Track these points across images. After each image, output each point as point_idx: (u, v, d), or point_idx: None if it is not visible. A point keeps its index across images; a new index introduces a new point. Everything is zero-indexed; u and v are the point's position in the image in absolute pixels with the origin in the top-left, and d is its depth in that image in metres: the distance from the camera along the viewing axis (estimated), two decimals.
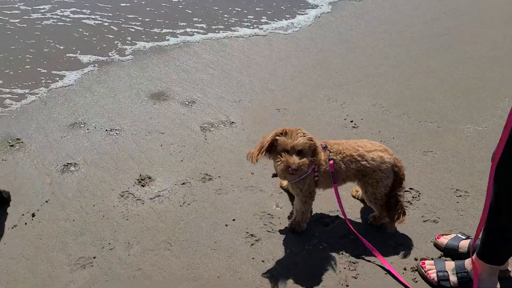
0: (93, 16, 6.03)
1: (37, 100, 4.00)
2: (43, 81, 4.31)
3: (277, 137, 2.33)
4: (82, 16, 6.08)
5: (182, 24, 5.92)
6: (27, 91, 4.11)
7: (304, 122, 4.13)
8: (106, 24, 5.82)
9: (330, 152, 2.58)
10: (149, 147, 3.56)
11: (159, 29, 5.71)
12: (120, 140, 3.60)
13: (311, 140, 2.37)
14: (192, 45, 5.42)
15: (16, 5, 6.23)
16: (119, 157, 3.40)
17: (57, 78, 4.39)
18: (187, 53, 5.20)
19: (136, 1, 6.76)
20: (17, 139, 3.49)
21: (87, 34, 5.37)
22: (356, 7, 7.31)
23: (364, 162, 2.54)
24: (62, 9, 6.18)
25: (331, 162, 2.55)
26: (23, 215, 2.82)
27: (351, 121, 4.23)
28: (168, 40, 5.45)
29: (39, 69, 4.49)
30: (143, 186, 3.18)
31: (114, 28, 5.69)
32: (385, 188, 2.61)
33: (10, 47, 4.89)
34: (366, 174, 2.58)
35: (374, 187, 2.60)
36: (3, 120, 3.67)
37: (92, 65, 4.70)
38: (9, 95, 4.01)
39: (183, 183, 3.25)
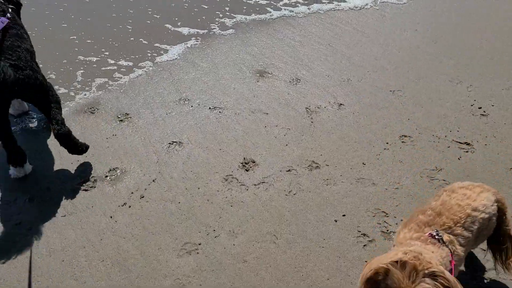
0: None
1: (144, 74, 4.06)
2: (148, 54, 4.36)
3: (390, 268, 1.55)
4: None
5: None
6: (132, 64, 4.18)
7: (423, 108, 3.64)
8: None
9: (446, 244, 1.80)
10: (253, 129, 3.41)
11: (262, 0, 5.45)
12: (223, 119, 3.49)
13: None
14: (296, 18, 5.10)
15: None
16: (223, 138, 3.30)
17: (162, 52, 4.41)
18: (291, 26, 4.90)
19: None
20: (126, 113, 3.56)
21: (186, 4, 5.31)
22: None
23: (476, 226, 1.92)
24: None
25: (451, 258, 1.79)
26: (132, 193, 2.85)
27: (479, 108, 3.65)
28: (270, 12, 5.18)
29: (142, 40, 4.55)
30: (247, 170, 3.05)
31: None
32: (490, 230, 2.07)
33: (111, 15, 5.01)
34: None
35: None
36: (113, 94, 3.78)
37: (194, 38, 4.64)
38: (117, 68, 4.11)
39: (289, 170, 3.05)
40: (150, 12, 5.13)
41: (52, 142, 3.19)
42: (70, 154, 3.01)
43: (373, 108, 3.63)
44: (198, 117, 3.52)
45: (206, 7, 5.31)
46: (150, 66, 4.18)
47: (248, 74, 4.06)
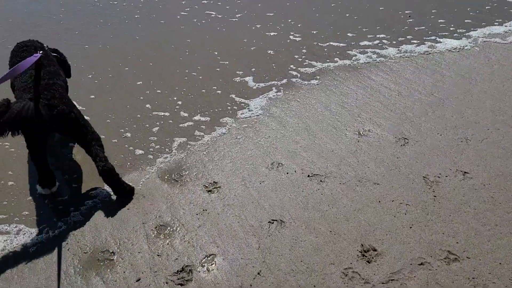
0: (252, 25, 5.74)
1: (226, 132, 3.76)
2: (228, 107, 4.08)
3: None
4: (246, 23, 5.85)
5: (367, 35, 5.24)
6: (210, 119, 3.91)
7: None
8: (276, 41, 5.44)
9: None
10: (365, 203, 2.97)
11: (339, 43, 5.11)
12: (327, 191, 3.07)
13: None
14: (386, 62, 4.69)
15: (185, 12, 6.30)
16: (331, 216, 2.88)
17: (242, 105, 4.12)
18: (383, 71, 4.50)
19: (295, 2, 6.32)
20: (214, 182, 3.23)
21: (253, 47, 5.05)
22: None
23: None
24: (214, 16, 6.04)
25: None
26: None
27: None
28: (355, 56, 4.81)
29: (216, 90, 4.30)
30: (368, 262, 2.59)
31: (288, 44, 5.28)
32: None
33: (178, 59, 4.81)
34: None
35: None
36: (196, 156, 3.49)
37: (275, 88, 4.33)
38: (195, 124, 3.84)
39: (421, 264, 2.57)
40: (219, 58, 4.90)
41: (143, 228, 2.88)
42: (158, 238, 2.69)
43: (507, 179, 3.10)
44: (297, 187, 3.13)
45: (281, 52, 5.03)
46: (231, 123, 3.88)
47: (346, 132, 3.66)
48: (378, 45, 5.06)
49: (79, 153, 3.50)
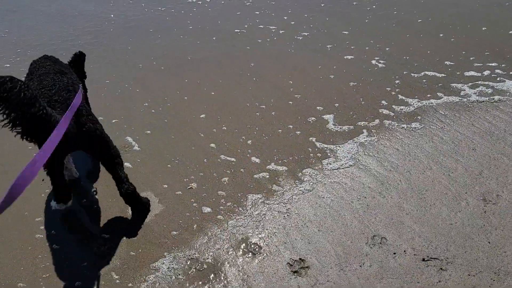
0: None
1: (311, 189, 3.17)
2: (311, 154, 3.51)
3: None
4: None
5: (474, 63, 4.47)
6: (288, 169, 3.37)
7: None
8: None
9: None
10: None
11: (438, 73, 4.38)
12: (452, 285, 2.38)
13: None
14: (506, 99, 3.91)
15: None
16: None
17: (327, 151, 3.53)
18: (504, 113, 3.77)
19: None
20: (300, 259, 2.64)
21: (322, 79, 4.43)
22: None
23: None
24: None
25: None
26: None
27: None
28: (463, 90, 4.07)
29: (296, 131, 3.75)
30: None
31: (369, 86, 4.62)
32: None
33: (248, 91, 4.32)
34: None
35: None
36: (275, 219, 2.94)
37: (365, 131, 3.70)
38: (271, 176, 3.30)
39: None
40: (292, 89, 4.35)
41: None
42: None
43: None
44: (410, 276, 2.48)
45: (367, 82, 4.39)
46: (316, 176, 3.30)
47: (466, 198, 2.95)
48: (492, 76, 4.28)
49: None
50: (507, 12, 5.67)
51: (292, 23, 6.12)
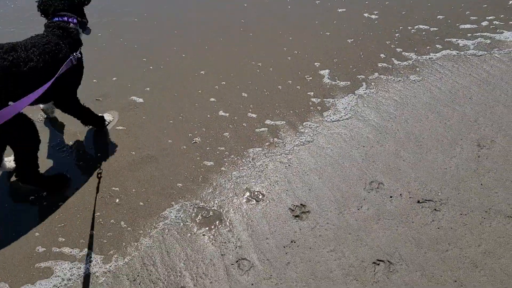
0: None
1: (311, 140, 3.28)
2: (311, 108, 3.60)
3: None
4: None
5: (471, 17, 4.46)
6: (289, 122, 3.46)
7: None
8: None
9: None
10: (497, 244, 2.42)
11: (436, 27, 4.38)
12: (445, 224, 2.56)
13: None
14: (504, 49, 3.95)
15: None
16: (453, 259, 2.39)
17: (327, 104, 3.63)
18: (502, 62, 3.83)
19: None
20: (301, 205, 2.79)
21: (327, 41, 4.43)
22: None
23: None
24: None
25: None
26: None
27: None
28: (462, 41, 4.10)
29: (295, 86, 3.81)
30: None
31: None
32: None
33: (249, 49, 4.35)
34: None
35: None
36: (278, 169, 3.07)
37: (365, 84, 3.76)
38: (272, 129, 3.42)
39: None
40: (291, 46, 4.38)
41: None
42: (240, 276, 2.32)
43: None
44: (405, 217, 2.64)
45: (366, 36, 4.41)
46: (316, 128, 3.41)
47: (461, 144, 3.07)
48: (490, 27, 4.29)
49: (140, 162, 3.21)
50: None
51: None
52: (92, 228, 2.75)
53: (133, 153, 3.33)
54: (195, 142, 3.42)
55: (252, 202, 2.86)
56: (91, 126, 3.45)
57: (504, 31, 4.23)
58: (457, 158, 2.96)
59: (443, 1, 4.89)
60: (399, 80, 3.78)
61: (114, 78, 4.22)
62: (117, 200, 2.94)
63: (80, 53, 3.05)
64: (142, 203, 2.91)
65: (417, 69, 3.87)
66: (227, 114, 3.64)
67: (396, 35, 4.40)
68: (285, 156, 3.18)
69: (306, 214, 2.75)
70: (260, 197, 2.89)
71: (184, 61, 4.43)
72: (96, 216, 2.85)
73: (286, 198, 2.86)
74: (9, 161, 3.08)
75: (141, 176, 3.12)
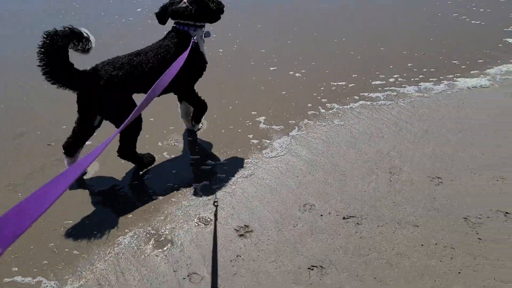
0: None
1: (252, 174, 3.71)
2: (251, 147, 4.06)
3: None
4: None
5: (380, 75, 5.34)
6: (231, 159, 3.88)
7: None
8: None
9: None
10: (407, 247, 2.91)
11: (353, 83, 5.20)
12: (366, 234, 3.03)
13: None
14: (407, 100, 4.77)
15: None
16: (373, 261, 2.82)
17: (265, 144, 4.10)
18: (406, 109, 4.58)
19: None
20: (245, 226, 3.15)
21: (262, 87, 5.08)
22: None
23: None
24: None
25: None
26: None
27: None
28: (375, 94, 4.89)
29: (237, 129, 4.29)
30: None
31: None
32: None
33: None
34: None
35: None
36: (223, 198, 3.42)
37: (297, 128, 4.33)
38: (217, 168, 3.79)
39: None
40: (231, 98, 4.94)
41: None
42: None
43: None
44: (333, 230, 3.07)
45: (296, 89, 5.09)
46: (256, 163, 3.85)
47: (377, 172, 3.64)
48: (396, 83, 5.15)
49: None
50: (398, 34, 6.75)
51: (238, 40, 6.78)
52: (47, 256, 2.89)
53: (86, 190, 3.55)
54: (147, 178, 3.71)
55: (201, 226, 3.17)
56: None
57: (406, 86, 5.09)
58: (373, 183, 3.51)
59: (358, 64, 5.77)
60: (325, 124, 4.39)
61: (63, 126, 4.46)
62: (71, 231, 3.11)
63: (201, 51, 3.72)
64: (96, 232, 3.11)
65: (340, 115, 4.53)
66: (173, 156, 4.00)
67: (321, 89, 5.11)
68: (230, 186, 3.56)
69: (249, 233, 3.10)
70: (208, 220, 3.21)
71: None
72: (50, 246, 2.99)
73: (231, 221, 3.21)
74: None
75: (95, 208, 3.33)
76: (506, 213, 3.15)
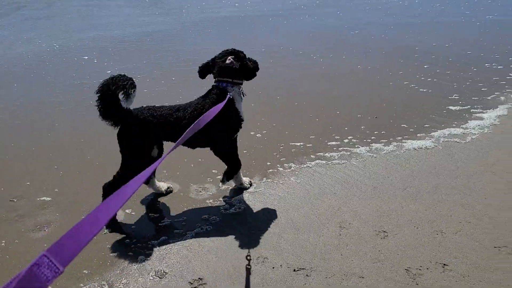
0: None
1: (211, 229, 3.84)
2: (211, 204, 4.21)
3: None
4: None
5: (336, 136, 5.74)
6: (187, 219, 4.01)
7: None
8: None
9: None
10: None
11: (311, 143, 5.55)
12: (314, 285, 3.16)
13: None
14: (359, 159, 5.11)
15: None
16: None
17: (226, 199, 4.26)
18: (357, 168, 4.89)
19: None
20: (199, 278, 3.24)
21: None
22: None
23: None
24: None
25: None
26: None
27: None
28: (330, 153, 5.22)
29: (198, 190, 4.45)
30: None
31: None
32: None
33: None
34: None
35: None
36: (179, 252, 3.51)
37: (255, 184, 4.56)
38: (172, 223, 3.92)
39: None
40: (196, 156, 5.16)
41: None
42: None
43: (484, 271, 3.31)
44: (283, 283, 3.20)
45: (256, 149, 5.37)
46: (217, 218, 4.00)
47: (328, 226, 3.85)
48: (350, 143, 5.53)
49: None
50: (354, 99, 7.31)
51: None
52: None
53: (45, 245, 3.59)
54: (106, 233, 3.79)
55: (156, 279, 3.25)
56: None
57: (359, 146, 5.47)
58: (324, 237, 3.71)
59: (315, 125, 6.16)
60: (282, 182, 4.64)
61: (27, 183, 4.53)
62: None
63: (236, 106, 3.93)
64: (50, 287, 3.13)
65: (296, 173, 4.80)
66: (134, 212, 4.12)
67: (281, 148, 5.42)
68: (187, 240, 3.68)
69: (203, 285, 3.19)
70: (163, 274, 3.30)
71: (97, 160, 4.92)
72: None
73: (186, 274, 3.30)
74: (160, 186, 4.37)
75: None
76: (444, 264, 3.37)
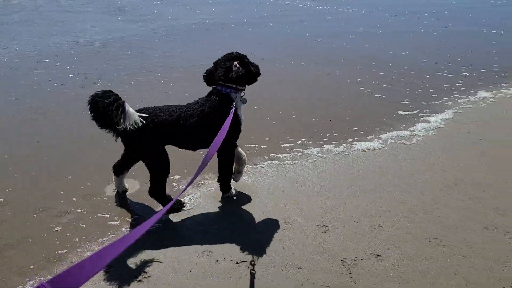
0: None
1: (160, 226, 3.96)
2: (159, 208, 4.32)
3: None
4: None
5: (289, 138, 5.96)
6: (143, 218, 4.12)
7: (466, 260, 3.59)
8: None
9: None
10: (291, 287, 3.22)
11: (266, 145, 5.75)
12: (257, 276, 3.32)
13: None
14: (309, 159, 5.34)
15: None
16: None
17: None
18: (307, 167, 5.11)
19: None
20: (144, 272, 3.35)
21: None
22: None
23: None
24: None
25: None
26: None
27: None
28: (282, 154, 5.44)
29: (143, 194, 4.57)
30: None
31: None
32: None
33: None
34: None
35: None
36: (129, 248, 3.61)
37: (208, 184, 4.70)
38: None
39: None
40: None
41: None
42: None
43: (413, 260, 3.56)
44: (226, 274, 3.36)
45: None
46: (168, 217, 4.12)
47: (273, 221, 4.03)
48: (302, 145, 5.76)
49: None
50: (311, 104, 7.59)
51: None
52: None
53: None
54: (57, 230, 3.86)
55: (101, 272, 3.34)
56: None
57: (311, 147, 5.70)
58: (268, 232, 3.89)
59: (271, 128, 6.37)
60: (233, 182, 4.80)
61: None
62: None
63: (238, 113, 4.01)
64: None
65: (249, 173, 4.98)
66: (85, 212, 4.20)
67: None
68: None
69: (147, 278, 3.31)
70: (107, 269, 3.40)
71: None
72: None
73: (133, 269, 3.41)
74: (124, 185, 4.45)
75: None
76: (377, 255, 3.61)
